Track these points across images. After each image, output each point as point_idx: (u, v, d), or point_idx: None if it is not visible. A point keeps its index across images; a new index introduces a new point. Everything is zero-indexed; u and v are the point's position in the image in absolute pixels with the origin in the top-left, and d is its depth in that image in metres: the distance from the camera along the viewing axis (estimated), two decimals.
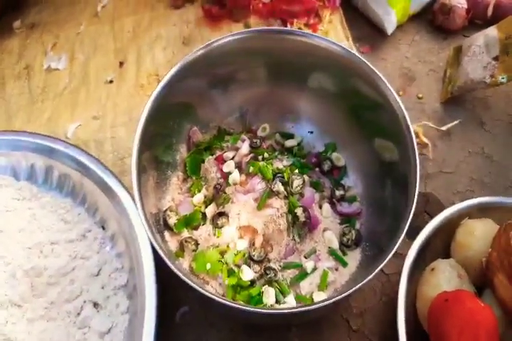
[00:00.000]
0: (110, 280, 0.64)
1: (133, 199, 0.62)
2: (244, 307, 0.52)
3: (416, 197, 0.57)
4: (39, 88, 0.86)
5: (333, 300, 0.50)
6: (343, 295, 0.51)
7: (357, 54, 0.66)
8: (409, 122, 0.62)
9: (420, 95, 0.90)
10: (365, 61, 0.65)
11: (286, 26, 0.90)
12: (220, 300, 0.51)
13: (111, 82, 0.86)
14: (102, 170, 0.67)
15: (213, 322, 0.67)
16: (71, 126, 0.80)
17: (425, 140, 0.83)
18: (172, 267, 0.53)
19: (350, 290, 0.51)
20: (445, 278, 0.62)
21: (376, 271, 0.52)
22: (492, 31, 0.84)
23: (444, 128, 0.85)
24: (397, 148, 0.65)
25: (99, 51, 0.89)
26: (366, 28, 0.96)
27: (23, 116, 0.82)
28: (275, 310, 0.57)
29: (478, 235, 0.65)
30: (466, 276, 0.64)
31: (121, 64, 0.87)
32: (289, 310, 0.54)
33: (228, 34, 0.67)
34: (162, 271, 0.58)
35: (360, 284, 0.52)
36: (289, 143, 0.77)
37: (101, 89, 0.85)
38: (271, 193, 0.68)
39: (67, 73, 0.87)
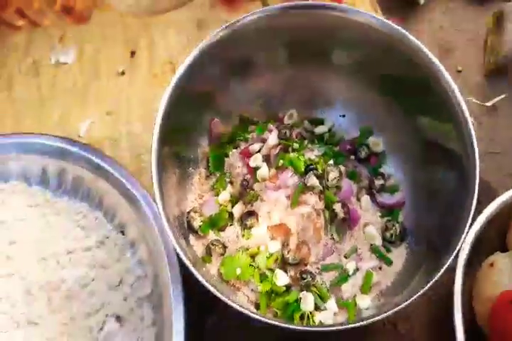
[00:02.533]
0: (133, 290, 0.59)
1: (153, 200, 0.57)
2: (283, 325, 0.46)
3: (477, 185, 0.50)
4: (48, 84, 0.80)
5: (385, 315, 0.44)
6: (398, 308, 0.45)
7: (395, 25, 0.59)
8: (459, 95, 0.56)
9: (460, 68, 0.81)
10: (405, 32, 0.58)
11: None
12: (254, 316, 0.46)
13: (123, 73, 0.79)
14: (118, 170, 0.62)
15: (248, 331, 0.61)
16: (83, 124, 0.75)
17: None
18: (200, 279, 0.48)
19: (406, 302, 0.45)
20: (507, 274, 0.56)
21: (435, 278, 0.46)
22: None
23: (489, 103, 0.78)
24: (446, 127, 0.58)
25: (109, 41, 0.83)
26: None
27: (32, 116, 0.77)
28: (317, 328, 0.51)
29: None
30: None
31: (132, 53, 0.81)
32: (334, 328, 0.48)
33: (250, 13, 0.59)
34: (187, 277, 0.53)
35: (419, 294, 0.45)
36: (319, 129, 0.70)
37: (113, 82, 0.79)
38: (304, 188, 0.61)
39: (76, 67, 0.81)
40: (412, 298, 0.45)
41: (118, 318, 0.58)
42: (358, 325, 0.45)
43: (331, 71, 0.68)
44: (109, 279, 0.60)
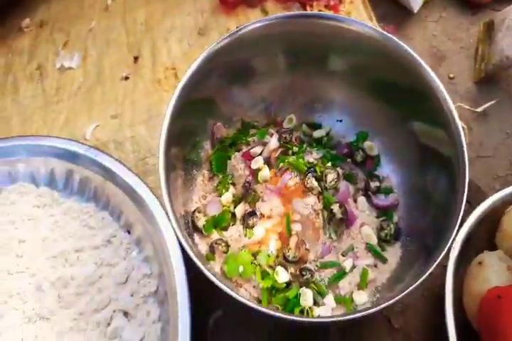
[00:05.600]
0: (139, 287, 0.61)
1: (159, 200, 0.60)
2: (286, 316, 0.49)
3: (466, 187, 0.53)
4: (53, 89, 0.83)
5: (380, 307, 0.47)
6: (392, 301, 0.47)
7: (389, 34, 0.62)
8: (450, 103, 0.59)
9: (451, 75, 0.85)
10: (399, 41, 0.61)
11: (305, 9, 0.86)
12: (258, 308, 0.48)
13: (126, 78, 0.82)
14: (124, 171, 0.64)
15: (250, 326, 0.64)
16: (89, 127, 0.77)
17: (460, 123, 0.78)
18: (206, 272, 0.50)
19: (398, 297, 0.48)
20: (494, 271, 0.58)
21: (427, 273, 0.48)
22: None
23: (479, 109, 0.80)
24: (438, 132, 0.61)
25: (113, 47, 0.86)
26: (390, 6, 0.90)
27: (38, 119, 0.79)
28: (317, 319, 0.53)
29: None
30: None
31: (135, 59, 0.84)
32: (332, 319, 0.50)
33: (251, 22, 0.62)
34: (192, 274, 0.56)
35: (411, 288, 0.48)
36: (318, 133, 0.73)
37: (117, 87, 0.81)
38: (303, 192, 0.64)
39: (80, 72, 0.84)
40: (404, 293, 0.48)
41: (125, 314, 0.61)
42: (352, 316, 0.48)
43: (328, 77, 0.71)
44: (116, 276, 0.62)
